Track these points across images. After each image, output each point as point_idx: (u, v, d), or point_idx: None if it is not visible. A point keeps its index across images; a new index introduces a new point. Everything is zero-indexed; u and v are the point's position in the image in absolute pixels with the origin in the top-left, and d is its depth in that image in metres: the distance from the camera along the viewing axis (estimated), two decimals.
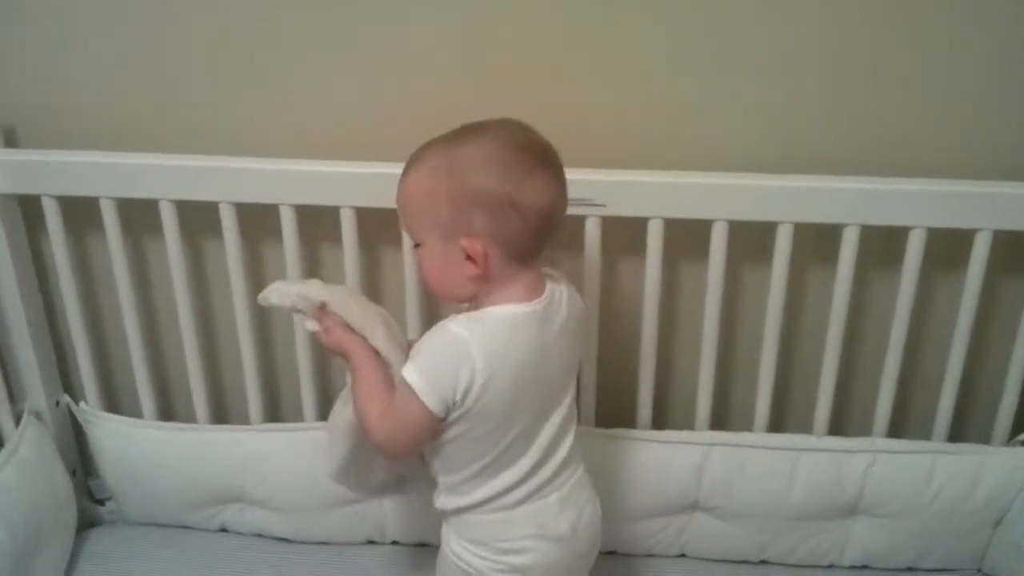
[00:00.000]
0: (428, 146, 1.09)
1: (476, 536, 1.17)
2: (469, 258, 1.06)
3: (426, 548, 1.54)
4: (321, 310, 1.16)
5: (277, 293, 1.16)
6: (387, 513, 1.53)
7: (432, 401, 1.07)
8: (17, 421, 1.48)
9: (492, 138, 1.07)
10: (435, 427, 1.10)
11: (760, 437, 1.45)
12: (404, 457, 1.17)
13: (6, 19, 1.36)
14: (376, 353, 1.14)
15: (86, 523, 1.60)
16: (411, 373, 1.07)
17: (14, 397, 1.49)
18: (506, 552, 1.16)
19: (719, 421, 1.51)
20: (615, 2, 1.30)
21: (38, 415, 1.51)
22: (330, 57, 1.35)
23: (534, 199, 1.05)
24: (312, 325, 1.17)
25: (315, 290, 1.16)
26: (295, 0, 1.32)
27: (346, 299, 1.17)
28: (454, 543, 1.19)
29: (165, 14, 1.34)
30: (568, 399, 1.17)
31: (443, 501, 1.19)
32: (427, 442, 1.13)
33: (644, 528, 1.50)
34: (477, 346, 1.06)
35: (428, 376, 1.07)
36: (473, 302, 1.11)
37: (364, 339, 1.14)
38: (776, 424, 1.49)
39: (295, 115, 1.38)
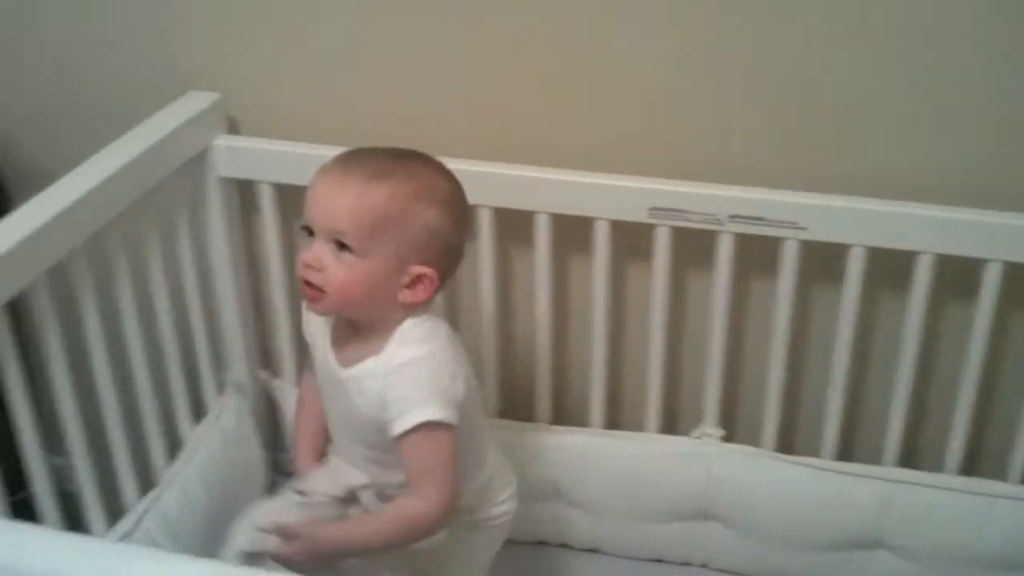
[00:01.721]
0: (393, 164, 1.10)
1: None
2: (411, 285, 1.09)
3: (596, 555, 1.55)
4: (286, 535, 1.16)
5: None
6: (568, 516, 1.54)
7: (454, 416, 1.09)
8: (220, 391, 1.57)
9: (449, 177, 1.12)
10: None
11: (951, 479, 1.39)
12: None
13: (229, 12, 1.44)
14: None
15: (274, 494, 1.68)
16: (431, 412, 1.07)
17: (218, 369, 1.58)
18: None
19: (908, 459, 1.44)
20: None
21: (239, 388, 1.60)
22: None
23: (464, 245, 1.14)
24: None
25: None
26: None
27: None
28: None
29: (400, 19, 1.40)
30: None
31: (484, 511, 1.24)
32: None
33: (819, 560, 1.46)
34: (447, 351, 1.12)
35: (444, 404, 1.08)
36: (379, 322, 1.12)
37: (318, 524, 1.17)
38: (969, 467, 1.42)
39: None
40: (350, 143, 1.38)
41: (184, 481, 1.44)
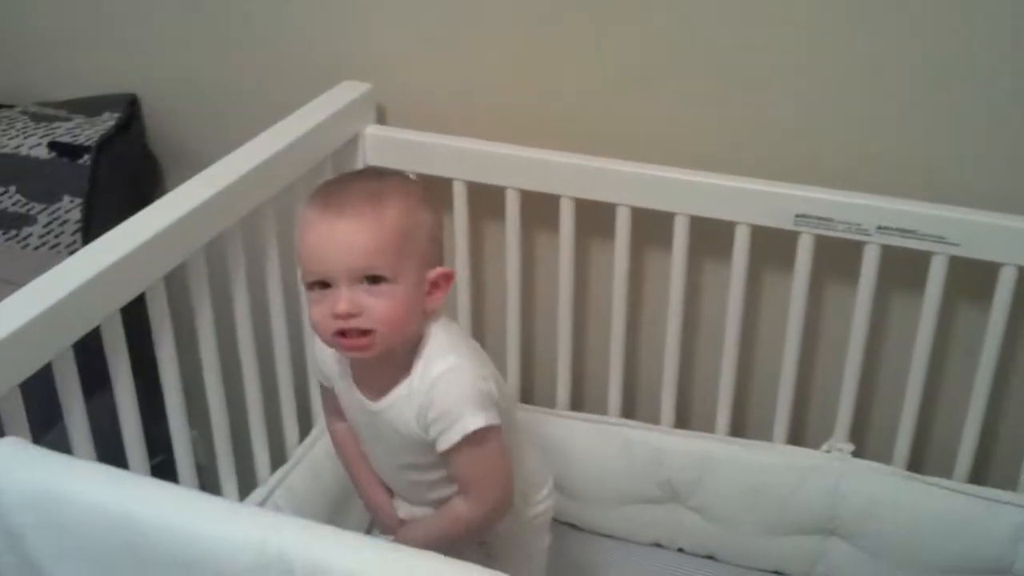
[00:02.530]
0: (378, 183, 1.10)
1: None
2: (432, 290, 1.09)
3: (711, 561, 1.54)
4: None
5: None
6: (683, 520, 1.54)
7: (494, 416, 1.09)
8: None
9: (408, 176, 1.18)
10: None
11: None
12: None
13: (384, 4, 1.48)
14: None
15: None
16: (473, 422, 1.07)
17: None
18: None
19: None
20: None
21: None
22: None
23: None
24: None
25: None
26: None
27: None
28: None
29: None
30: None
31: (533, 508, 1.25)
32: None
33: None
34: (471, 353, 1.12)
35: (482, 408, 1.08)
36: (401, 343, 1.10)
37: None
38: None
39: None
40: (497, 136, 1.43)
41: (313, 459, 1.48)
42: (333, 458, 1.49)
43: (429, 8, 1.46)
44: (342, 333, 1.06)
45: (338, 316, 1.05)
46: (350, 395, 1.18)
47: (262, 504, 1.39)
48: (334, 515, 1.49)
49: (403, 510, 1.24)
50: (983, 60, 1.26)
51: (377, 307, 1.05)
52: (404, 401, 1.11)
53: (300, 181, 1.37)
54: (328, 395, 1.25)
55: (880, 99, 1.31)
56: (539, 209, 1.45)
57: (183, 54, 1.61)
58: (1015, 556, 1.37)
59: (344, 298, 1.05)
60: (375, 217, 1.05)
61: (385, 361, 1.11)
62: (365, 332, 1.06)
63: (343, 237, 1.05)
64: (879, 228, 1.28)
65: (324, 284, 1.06)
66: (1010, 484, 1.39)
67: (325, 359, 1.21)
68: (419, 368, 1.10)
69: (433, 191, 1.48)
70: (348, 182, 1.12)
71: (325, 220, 1.06)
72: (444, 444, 1.09)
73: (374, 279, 1.05)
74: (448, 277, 1.12)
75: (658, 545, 1.58)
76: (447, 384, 1.09)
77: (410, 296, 1.07)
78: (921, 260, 1.29)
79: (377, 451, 1.21)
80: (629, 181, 1.37)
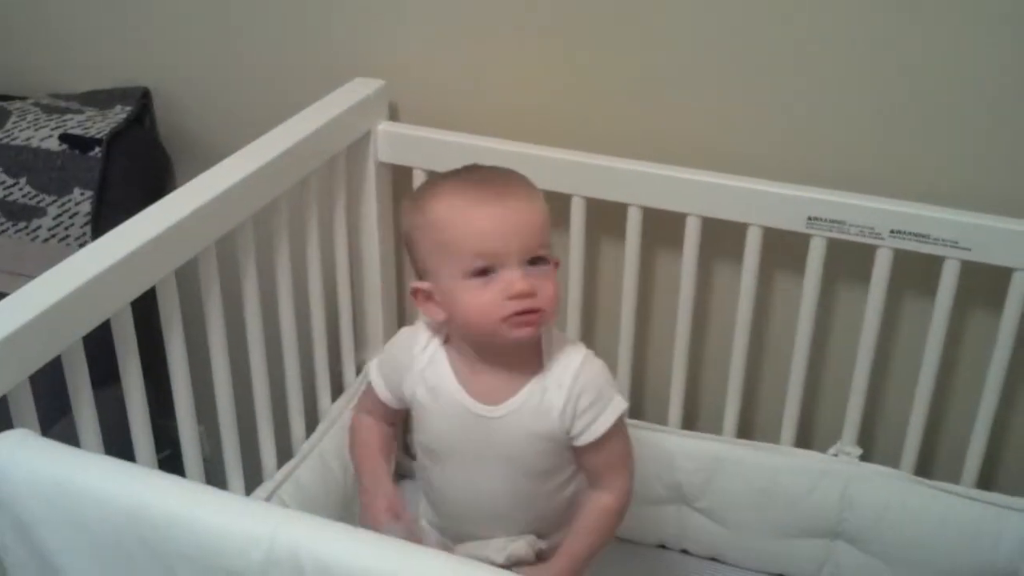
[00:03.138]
0: (509, 174, 1.11)
1: None
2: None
3: (716, 563, 1.54)
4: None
5: None
6: (689, 521, 1.54)
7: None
8: (358, 370, 1.60)
9: None
10: None
11: None
12: None
13: (406, 6, 1.48)
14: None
15: (401, 474, 1.71)
16: (621, 401, 1.11)
17: (358, 348, 1.61)
18: None
19: None
20: None
21: None
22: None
23: None
24: None
25: None
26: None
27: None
28: None
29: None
30: None
31: None
32: None
33: None
34: None
35: (619, 390, 1.12)
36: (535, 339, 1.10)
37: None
38: None
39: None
40: (508, 134, 1.42)
41: (320, 454, 1.48)
42: (341, 454, 1.49)
43: (442, 5, 1.46)
44: (518, 314, 1.04)
45: (518, 296, 1.03)
46: (451, 407, 1.12)
47: (268, 499, 1.38)
48: (341, 511, 1.49)
49: (495, 549, 1.15)
50: (991, 64, 1.26)
51: (545, 287, 1.05)
52: (540, 397, 1.09)
53: (312, 177, 1.37)
54: (375, 402, 1.21)
55: (889, 101, 1.31)
56: (550, 208, 1.44)
57: (196, 48, 1.61)
58: (1023, 564, 1.36)
59: (522, 277, 1.04)
60: (536, 199, 1.08)
61: (501, 360, 1.09)
62: (537, 310, 1.05)
63: (517, 217, 1.04)
64: (892, 232, 1.27)
65: (484, 271, 1.05)
66: (1020, 490, 1.39)
67: (409, 373, 1.15)
68: (554, 361, 1.09)
69: None
70: (479, 170, 1.12)
71: (491, 203, 1.05)
72: (600, 428, 1.09)
73: (535, 260, 1.05)
74: (557, 262, 1.11)
75: (663, 546, 1.57)
76: (593, 370, 1.10)
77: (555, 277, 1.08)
78: (933, 264, 1.29)
79: (478, 470, 1.14)
80: (640, 181, 1.36)
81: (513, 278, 1.04)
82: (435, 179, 1.15)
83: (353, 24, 1.51)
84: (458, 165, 1.43)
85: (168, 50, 1.63)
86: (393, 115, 1.52)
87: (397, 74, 1.49)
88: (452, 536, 1.21)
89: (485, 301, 1.05)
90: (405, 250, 1.15)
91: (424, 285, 1.10)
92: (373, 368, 1.20)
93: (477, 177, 1.10)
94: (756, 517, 1.48)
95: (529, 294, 1.04)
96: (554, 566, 1.14)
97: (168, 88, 1.65)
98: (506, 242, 1.04)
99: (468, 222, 1.05)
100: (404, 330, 1.20)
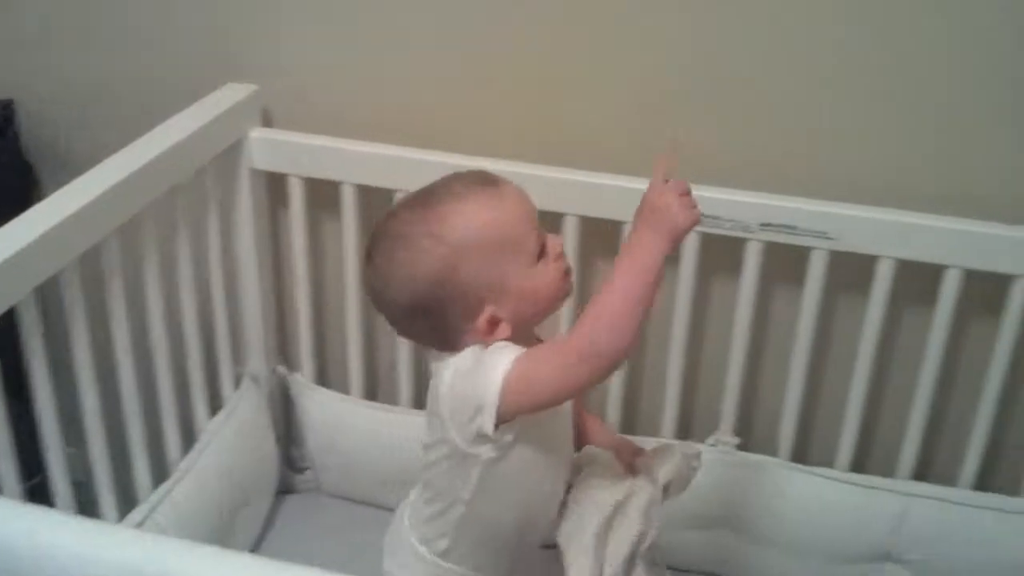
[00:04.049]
0: (467, 173, 1.07)
1: None
2: None
3: None
4: None
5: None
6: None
7: None
8: (236, 384, 1.56)
9: None
10: None
11: (967, 494, 1.40)
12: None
13: (269, 4, 1.45)
14: None
15: (282, 489, 1.68)
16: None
17: (236, 361, 1.57)
18: None
19: (922, 472, 1.45)
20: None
21: (256, 380, 1.59)
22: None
23: None
24: None
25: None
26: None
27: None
28: None
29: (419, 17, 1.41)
30: None
31: None
32: None
33: (830, 572, 1.46)
34: None
35: None
36: None
37: None
38: (982, 482, 1.43)
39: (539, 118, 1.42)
40: (382, 139, 1.41)
41: (198, 472, 1.43)
42: (219, 471, 1.45)
43: (316, 8, 1.44)
44: (566, 272, 1.07)
45: (562, 254, 1.06)
46: None
47: (143, 522, 1.33)
48: (221, 532, 1.45)
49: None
50: (855, 57, 1.30)
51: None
52: None
53: (182, 186, 1.33)
54: None
55: (755, 98, 1.35)
56: None
57: (60, 57, 1.55)
58: (896, 542, 1.42)
59: (552, 237, 1.06)
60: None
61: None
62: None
63: (520, 192, 1.05)
64: (762, 225, 1.31)
65: (543, 248, 1.04)
66: (889, 471, 1.44)
67: None
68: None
69: (322, 194, 1.47)
70: (450, 181, 1.06)
71: (501, 190, 1.04)
72: None
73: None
74: None
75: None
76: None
77: None
78: (867, 266, 1.32)
79: (560, 461, 1.13)
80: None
81: (553, 242, 1.05)
82: (426, 212, 1.03)
83: (224, 29, 1.48)
84: (336, 171, 1.43)
85: (31, 60, 1.56)
86: (267, 121, 1.49)
87: (271, 79, 1.47)
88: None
89: (553, 275, 1.05)
90: (419, 316, 1.03)
91: (490, 310, 1.02)
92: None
93: (470, 177, 1.05)
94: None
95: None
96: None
97: (32, 99, 1.58)
98: (534, 215, 1.05)
99: (510, 211, 1.03)
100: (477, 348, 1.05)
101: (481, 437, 1.01)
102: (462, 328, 1.02)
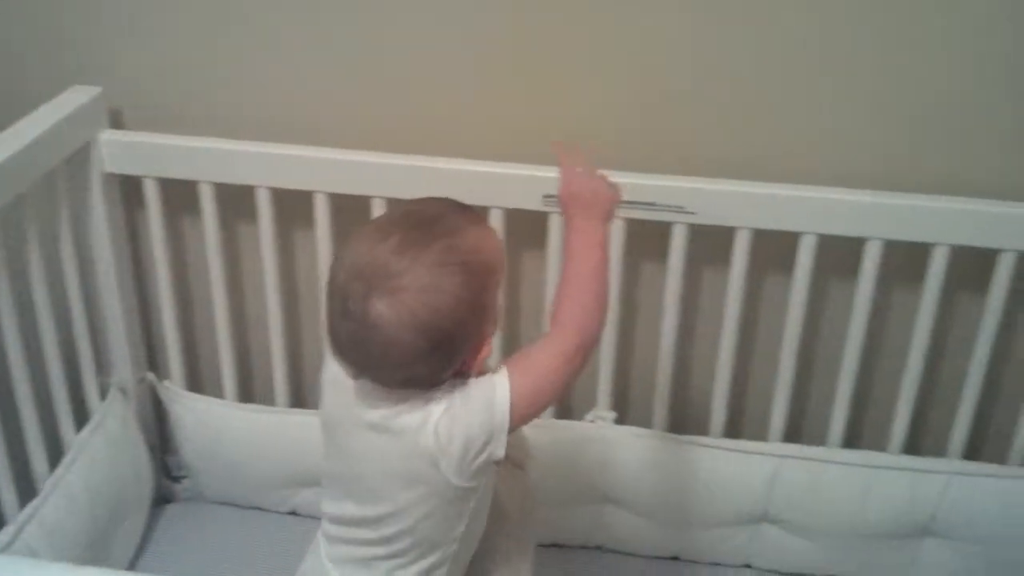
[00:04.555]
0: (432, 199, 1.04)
1: None
2: None
3: None
4: None
5: None
6: None
7: None
8: (103, 395, 1.52)
9: None
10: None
11: (834, 452, 1.45)
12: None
13: (114, 4, 1.41)
14: None
15: (161, 499, 1.64)
16: None
17: (101, 371, 1.53)
18: None
19: (793, 434, 1.50)
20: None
21: (123, 390, 1.55)
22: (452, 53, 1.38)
23: None
24: None
25: None
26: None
27: None
28: None
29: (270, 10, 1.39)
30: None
31: None
32: None
33: (711, 537, 1.51)
34: None
35: None
36: None
37: None
38: (851, 441, 1.49)
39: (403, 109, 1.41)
40: (238, 135, 1.39)
41: (67, 488, 1.39)
42: (90, 486, 1.41)
43: (162, 7, 1.40)
44: None
45: None
46: None
47: (11, 544, 1.29)
48: (97, 548, 1.42)
49: None
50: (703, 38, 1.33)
51: None
52: None
53: (30, 193, 1.28)
54: None
55: (612, 78, 1.36)
56: (296, 206, 1.42)
57: None
58: (769, 503, 1.46)
59: None
60: None
61: None
62: None
63: None
64: (622, 203, 1.32)
65: None
66: (761, 435, 1.48)
67: None
68: None
69: (181, 195, 1.44)
70: (443, 199, 1.02)
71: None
72: None
73: None
74: None
75: None
76: None
77: None
78: (790, 243, 1.34)
79: None
80: (386, 172, 1.36)
81: None
82: (444, 241, 0.96)
83: (67, 31, 1.43)
84: (191, 170, 1.40)
85: None
86: (117, 123, 1.45)
87: (120, 80, 1.43)
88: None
89: None
90: (435, 352, 0.95)
91: (489, 336, 0.99)
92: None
93: (456, 208, 1.01)
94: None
95: None
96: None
97: None
98: None
99: (488, 237, 1.01)
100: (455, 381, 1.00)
101: (485, 467, 0.98)
102: (464, 359, 0.98)
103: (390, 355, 0.94)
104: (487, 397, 0.96)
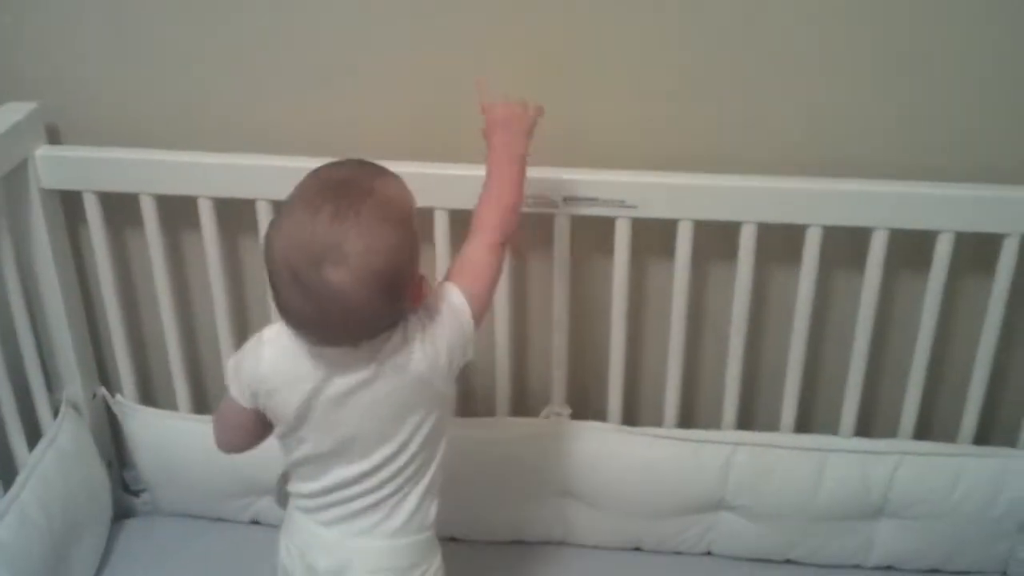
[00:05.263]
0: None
1: None
2: None
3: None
4: None
5: None
6: None
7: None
8: (55, 412, 1.51)
9: None
10: None
11: (786, 437, 1.47)
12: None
13: (47, 18, 1.39)
14: None
15: (120, 514, 1.63)
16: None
17: (52, 388, 1.52)
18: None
19: (746, 421, 1.52)
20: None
21: (75, 407, 1.54)
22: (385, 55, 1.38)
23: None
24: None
25: None
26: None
27: None
28: None
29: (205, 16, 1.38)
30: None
31: None
32: None
33: (670, 526, 1.52)
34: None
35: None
36: None
37: None
38: (802, 425, 1.50)
39: (342, 115, 1.41)
40: (181, 146, 1.38)
41: (21, 508, 1.38)
42: (44, 504, 1.40)
43: (92, 21, 1.39)
44: None
45: None
46: None
47: None
48: (55, 566, 1.41)
49: None
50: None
51: None
52: None
53: None
54: None
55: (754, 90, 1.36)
56: (241, 214, 1.42)
57: None
58: (724, 490, 1.47)
59: None
60: None
61: None
62: None
63: None
64: (565, 199, 1.33)
65: None
66: (715, 424, 1.50)
67: None
68: None
69: (119, 207, 1.43)
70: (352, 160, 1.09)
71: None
72: None
73: None
74: None
75: None
76: None
77: None
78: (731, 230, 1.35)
79: None
80: None
81: None
82: (364, 194, 1.03)
83: (2, 47, 1.41)
84: (131, 183, 1.39)
85: None
86: (55, 138, 1.43)
87: (55, 95, 1.42)
88: None
89: None
90: (394, 296, 1.03)
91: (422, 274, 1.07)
92: None
93: (366, 164, 1.08)
94: (483, 488, 1.51)
95: None
96: None
97: None
98: None
99: (395, 182, 1.08)
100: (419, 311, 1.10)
101: (458, 370, 1.12)
102: (411, 291, 1.06)
103: (355, 314, 1.01)
104: (448, 307, 1.10)
